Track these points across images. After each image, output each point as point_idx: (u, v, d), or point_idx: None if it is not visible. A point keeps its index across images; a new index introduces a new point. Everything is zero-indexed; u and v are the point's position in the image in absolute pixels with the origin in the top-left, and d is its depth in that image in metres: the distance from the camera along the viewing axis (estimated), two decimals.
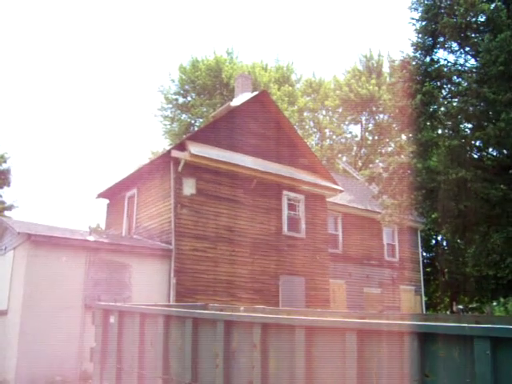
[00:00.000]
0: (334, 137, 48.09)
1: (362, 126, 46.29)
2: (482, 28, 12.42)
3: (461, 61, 13.60)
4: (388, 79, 43.62)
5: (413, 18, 14.28)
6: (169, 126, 47.55)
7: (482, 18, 12.37)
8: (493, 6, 11.92)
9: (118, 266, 14.89)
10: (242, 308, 9.76)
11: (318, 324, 5.02)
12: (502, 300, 34.72)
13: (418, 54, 13.86)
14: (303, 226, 20.03)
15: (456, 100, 12.88)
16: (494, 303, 36.97)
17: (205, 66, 43.84)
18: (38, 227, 15.25)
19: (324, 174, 21.38)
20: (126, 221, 20.09)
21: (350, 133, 47.74)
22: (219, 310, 9.53)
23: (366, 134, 46.55)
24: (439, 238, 35.32)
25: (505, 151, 12.66)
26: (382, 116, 44.67)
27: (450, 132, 12.50)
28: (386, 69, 45.63)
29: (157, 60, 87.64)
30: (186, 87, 45.61)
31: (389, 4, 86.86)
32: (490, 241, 14.78)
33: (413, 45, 14.15)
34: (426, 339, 4.03)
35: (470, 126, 12.25)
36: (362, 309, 22.38)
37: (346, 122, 46.62)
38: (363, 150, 47.24)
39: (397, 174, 13.62)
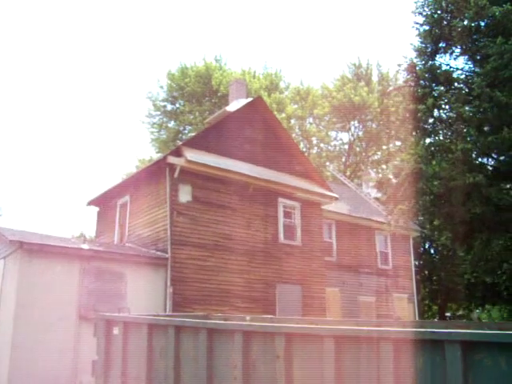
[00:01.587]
0: (322, 145, 48.04)
1: (351, 133, 46.34)
2: (490, 32, 12.36)
3: (467, 66, 13.57)
4: (377, 87, 43.79)
5: (416, 23, 14.25)
6: (156, 134, 47.25)
7: (489, 22, 12.30)
8: (502, 9, 11.88)
9: (112, 275, 14.50)
10: (247, 318, 9.46)
11: (349, 333, 4.77)
12: (487, 307, 34.80)
13: (421, 59, 13.80)
14: (299, 233, 19.80)
15: (457, 105, 12.75)
16: (477, 310, 37.06)
17: (194, 72, 43.65)
18: (29, 235, 14.83)
19: (319, 181, 21.20)
20: (118, 229, 19.68)
21: (340, 140, 47.80)
22: (223, 320, 9.23)
23: (356, 141, 46.57)
24: (427, 245, 35.36)
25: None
26: (370, 123, 44.74)
27: (459, 137, 12.40)
28: (375, 77, 45.83)
29: (145, 66, 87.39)
30: (175, 94, 45.37)
31: (377, 12, 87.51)
32: (489, 247, 14.70)
33: (416, 50, 14.08)
34: (468, 348, 3.79)
35: (474, 130, 12.17)
36: (358, 317, 22.16)
37: (335, 130, 46.65)
38: (352, 158, 47.26)
39: (407, 180, 13.48)
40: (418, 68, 13.67)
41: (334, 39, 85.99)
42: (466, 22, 12.49)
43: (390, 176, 16.24)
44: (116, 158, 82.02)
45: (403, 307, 25.85)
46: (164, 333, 6.76)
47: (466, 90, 12.92)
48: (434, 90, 12.76)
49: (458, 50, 13.74)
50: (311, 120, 47.51)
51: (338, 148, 47.90)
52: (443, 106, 13.24)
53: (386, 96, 32.25)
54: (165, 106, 46.85)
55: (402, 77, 14.78)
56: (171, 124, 46.69)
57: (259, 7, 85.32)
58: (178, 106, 46.00)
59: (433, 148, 13.08)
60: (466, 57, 13.65)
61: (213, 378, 5.90)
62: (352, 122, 45.20)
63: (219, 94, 41.87)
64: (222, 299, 16.62)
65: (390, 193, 14.92)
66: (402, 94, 14.63)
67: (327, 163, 46.66)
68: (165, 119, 47.11)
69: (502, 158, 13.89)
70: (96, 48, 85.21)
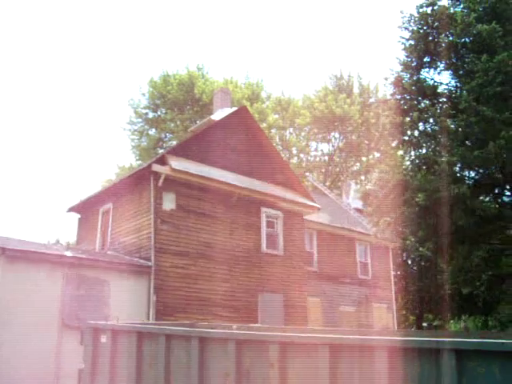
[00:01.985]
0: (302, 155, 48.30)
1: (331, 144, 46.71)
2: (475, 48, 12.68)
3: (452, 81, 13.92)
4: (358, 99, 44.29)
5: (402, 37, 14.58)
6: (137, 141, 46.98)
7: (474, 39, 12.64)
8: (488, 27, 12.20)
9: (95, 283, 14.39)
10: (234, 326, 9.47)
11: (344, 342, 4.81)
12: (463, 318, 35.17)
13: (406, 73, 14.10)
14: (281, 243, 19.88)
15: (442, 119, 13.04)
16: (452, 321, 37.41)
17: (177, 80, 43.60)
18: (11, 241, 14.64)
19: (302, 191, 21.34)
20: (100, 236, 19.52)
21: (321, 150, 48.13)
22: (210, 329, 9.22)
23: (336, 152, 46.94)
24: (404, 256, 35.63)
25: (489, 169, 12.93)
26: (350, 135, 45.14)
27: (444, 150, 12.67)
28: (355, 89, 46.36)
29: (127, 73, 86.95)
30: (157, 101, 45.21)
31: (358, 25, 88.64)
32: (470, 259, 14.95)
33: (402, 63, 14.39)
34: (463, 356, 3.88)
35: (458, 144, 12.44)
36: (339, 327, 22.25)
37: (316, 141, 46.99)
38: (331, 168, 47.58)
39: (393, 192, 13.69)
40: (404, 81, 13.96)
41: (315, 51, 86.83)
42: (451, 38, 12.82)
43: (375, 187, 16.42)
44: (95, 165, 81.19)
45: (382, 317, 26.06)
46: (154, 341, 6.73)
47: (450, 104, 13.23)
48: (420, 104, 13.04)
49: (442, 65, 14.09)
50: (291, 130, 47.82)
51: (318, 158, 48.21)
52: (428, 120, 13.54)
53: (366, 108, 32.71)
54: (146, 114, 46.65)
55: (388, 90, 15.09)
56: (152, 131, 46.48)
57: (242, 17, 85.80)
58: (159, 113, 45.86)
59: (418, 161, 13.36)
60: (450, 72, 13.98)
61: None
62: (333, 133, 45.58)
63: (201, 103, 41.88)
64: (204, 308, 16.59)
65: (376, 204, 15.10)
66: (388, 107, 14.90)
67: (307, 173, 46.92)
68: (146, 126, 46.89)
69: (481, 170, 14.23)
70: (77, 54, 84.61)
